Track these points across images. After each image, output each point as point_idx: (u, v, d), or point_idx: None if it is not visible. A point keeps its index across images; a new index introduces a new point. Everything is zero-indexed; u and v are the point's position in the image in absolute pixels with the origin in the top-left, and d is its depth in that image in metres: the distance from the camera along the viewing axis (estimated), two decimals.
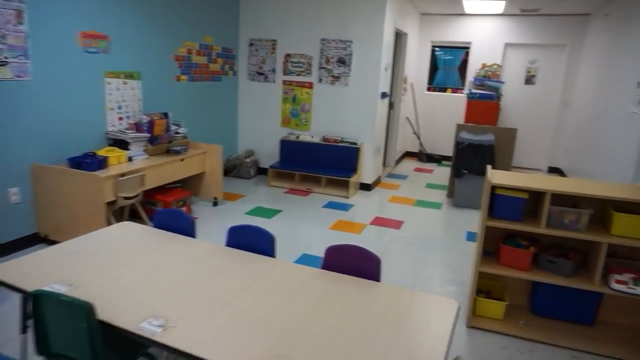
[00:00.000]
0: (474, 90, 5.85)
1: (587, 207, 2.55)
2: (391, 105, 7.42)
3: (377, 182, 6.48)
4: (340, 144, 5.97)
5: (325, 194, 5.85)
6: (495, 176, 2.80)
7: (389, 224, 4.82)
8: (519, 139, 7.97)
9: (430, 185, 6.63)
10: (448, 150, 8.41)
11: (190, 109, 5.57)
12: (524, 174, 2.93)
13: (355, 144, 5.94)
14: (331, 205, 5.41)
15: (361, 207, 5.38)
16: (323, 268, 2.22)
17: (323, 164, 6.07)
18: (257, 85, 6.43)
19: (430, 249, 4.20)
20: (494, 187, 2.70)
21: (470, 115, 5.92)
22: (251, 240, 2.41)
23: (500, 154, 5.52)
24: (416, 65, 8.37)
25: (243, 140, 6.72)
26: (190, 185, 5.10)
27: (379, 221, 4.90)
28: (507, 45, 7.72)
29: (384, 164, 7.65)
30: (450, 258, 4.02)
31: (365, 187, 6.14)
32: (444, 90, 8.41)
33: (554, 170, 7.90)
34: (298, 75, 6.16)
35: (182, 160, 4.62)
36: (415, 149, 8.66)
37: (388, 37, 5.90)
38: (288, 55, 6.16)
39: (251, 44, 6.33)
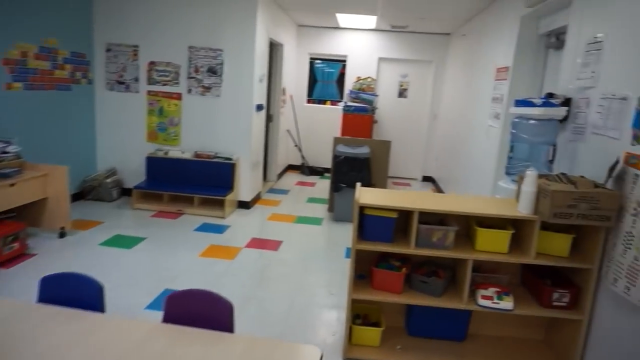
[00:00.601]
0: (349, 103, 5.84)
1: (454, 223, 2.50)
2: (270, 118, 7.18)
3: (256, 199, 6.15)
4: (214, 160, 5.53)
5: (198, 215, 5.35)
6: (364, 195, 2.64)
7: (267, 246, 4.51)
8: (395, 151, 8.25)
9: (311, 200, 6.48)
10: (330, 162, 8.41)
11: (28, 123, 4.68)
12: (392, 191, 2.82)
13: (230, 159, 5.55)
14: (204, 227, 4.94)
15: (238, 228, 4.99)
16: (164, 321, 1.81)
17: (196, 182, 5.57)
18: (117, 96, 5.70)
19: (309, 270, 3.97)
20: (362, 207, 2.53)
21: (347, 128, 5.91)
22: (73, 292, 1.90)
23: (376, 166, 5.56)
24: (295, 77, 8.26)
25: (103, 158, 5.90)
26: (27, 214, 4.24)
27: (255, 243, 4.56)
28: (381, 60, 7.99)
29: (265, 179, 7.36)
30: (329, 278, 3.82)
31: (244, 205, 5.77)
32: (323, 102, 8.42)
33: (428, 179, 8.33)
34: (164, 85, 5.59)
35: (12, 185, 3.80)
36: (298, 162, 8.52)
37: (261, 47, 5.64)
38: (152, 63, 5.56)
39: (109, 50, 5.60)
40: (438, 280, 2.56)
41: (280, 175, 7.90)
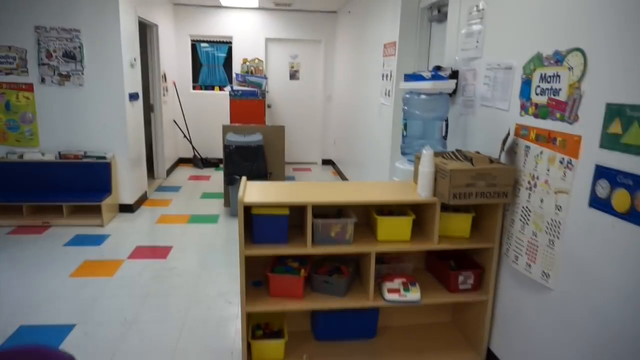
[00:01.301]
0: (236, 88, 5.39)
1: (352, 214, 2.27)
2: (151, 108, 6.45)
3: (142, 200, 5.48)
4: (84, 160, 4.76)
5: (71, 225, 4.58)
6: (250, 192, 2.29)
7: (154, 254, 3.97)
8: (292, 135, 8.01)
9: (206, 195, 5.97)
10: None
11: None
12: (282, 185, 2.51)
13: (104, 157, 4.82)
14: (78, 240, 4.22)
15: (119, 237, 4.35)
16: None
17: (64, 188, 4.76)
18: None
19: (204, 278, 3.55)
20: (248, 208, 2.18)
21: (237, 115, 5.47)
22: None
23: (271, 153, 5.22)
24: (176, 61, 7.53)
25: None
26: None
27: (141, 253, 3.99)
28: (268, 40, 7.59)
29: (154, 176, 6.66)
30: (227, 285, 3.44)
31: (127, 208, 5.09)
32: (211, 88, 7.82)
33: (328, 163, 8.22)
34: (8, 74, 4.64)
35: None
36: (190, 155, 7.87)
37: (129, 27, 4.93)
38: None
39: None
40: (341, 278, 2.33)
41: (171, 170, 7.22)
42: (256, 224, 2.21)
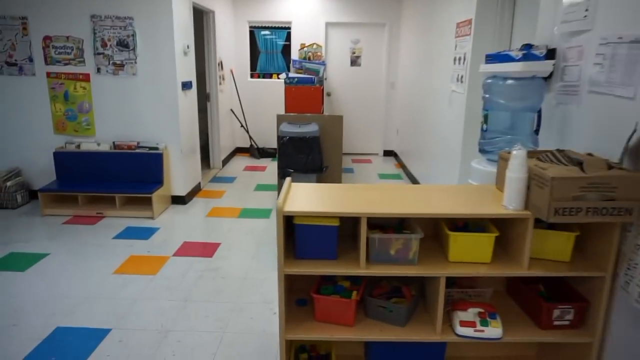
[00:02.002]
0: (291, 75, 5.06)
1: (418, 227, 1.84)
2: (207, 97, 6.30)
3: (195, 191, 5.34)
4: (137, 151, 4.66)
5: (123, 217, 4.51)
6: (293, 197, 1.93)
7: (200, 251, 3.75)
8: (353, 125, 7.59)
9: (261, 187, 5.73)
10: None
11: None
12: (331, 187, 2.12)
13: (156, 148, 4.70)
14: (129, 232, 4.12)
15: (169, 231, 4.20)
16: None
17: (118, 178, 4.70)
18: (10, 81, 4.69)
19: (248, 282, 3.27)
20: (288, 217, 1.82)
21: (292, 104, 5.14)
22: None
23: (328, 145, 4.85)
24: (234, 49, 7.34)
25: (3, 157, 4.92)
26: None
27: (187, 249, 3.80)
28: (329, 25, 7.18)
29: (209, 166, 6.54)
30: (271, 292, 3.13)
31: (179, 200, 4.96)
32: (270, 76, 7.57)
33: (389, 154, 7.72)
34: (67, 64, 4.62)
35: None
36: (247, 144, 7.70)
37: (182, 14, 4.73)
38: (48, 38, 4.56)
39: None
40: (402, 304, 1.91)
41: (227, 160, 7.08)
42: (299, 235, 1.84)
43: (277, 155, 4.71)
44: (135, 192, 4.47)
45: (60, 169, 4.69)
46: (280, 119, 4.81)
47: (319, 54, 5.56)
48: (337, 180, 5.00)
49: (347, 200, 1.88)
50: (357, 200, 1.89)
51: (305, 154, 4.53)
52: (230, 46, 7.12)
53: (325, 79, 5.76)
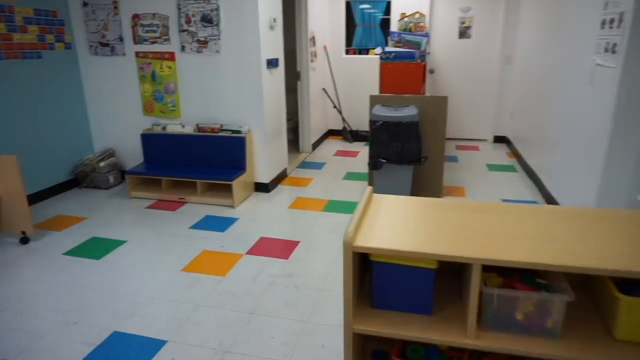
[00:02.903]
0: (388, 49, 4.38)
1: (562, 281, 1.16)
2: (297, 76, 5.89)
3: (281, 177, 4.99)
4: (219, 134, 4.40)
5: (203, 204, 4.31)
6: (370, 222, 1.35)
7: (276, 251, 3.36)
8: (458, 106, 6.69)
9: (351, 176, 5.21)
10: None
11: None
12: (426, 203, 1.49)
13: (239, 132, 4.39)
14: (207, 222, 3.89)
15: (247, 223, 3.89)
16: None
17: (200, 163, 4.50)
18: (103, 61, 4.69)
19: (324, 296, 2.79)
20: (360, 254, 1.25)
21: (389, 82, 4.48)
22: None
23: (429, 130, 4.14)
24: (328, 23, 6.80)
25: (99, 137, 5.00)
26: None
27: (263, 247, 3.43)
28: None
29: (299, 150, 6.18)
30: None
31: (263, 187, 4.64)
32: (367, 51, 6.92)
33: (501, 140, 6.70)
34: (153, 43, 4.47)
35: None
36: (340, 126, 7.21)
37: None
38: (137, 17, 4.44)
39: (85, 4, 4.54)
40: None
41: (318, 143, 6.66)
42: (378, 278, 1.28)
43: (369, 142, 4.12)
44: (216, 179, 4.22)
45: (147, 151, 4.62)
46: (373, 101, 4.20)
47: (421, 24, 4.80)
48: (437, 172, 4.29)
49: (451, 232, 1.27)
50: (466, 231, 1.26)
51: (401, 141, 3.89)
52: (324, 20, 6.59)
53: (428, 53, 4.98)
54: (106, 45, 4.60)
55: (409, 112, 3.92)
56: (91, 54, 4.68)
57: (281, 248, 3.40)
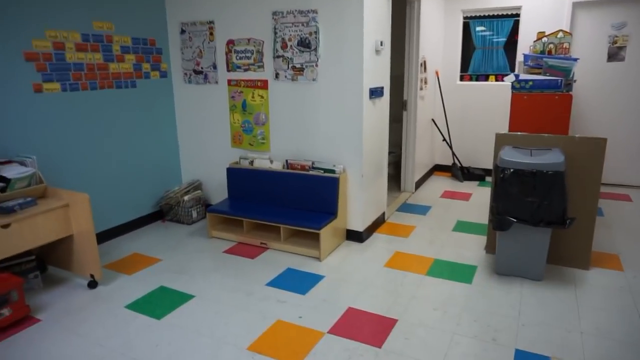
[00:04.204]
0: (523, 77, 3.47)
1: None
2: (404, 105, 5.17)
3: (378, 223, 4.27)
4: (310, 173, 3.83)
5: (287, 252, 3.75)
6: None
7: (366, 332, 2.62)
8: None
9: (462, 226, 4.31)
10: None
11: (68, 132, 3.65)
12: None
13: (332, 171, 3.78)
14: (287, 278, 3.30)
15: (333, 284, 3.21)
16: None
17: (287, 204, 3.97)
18: (196, 90, 4.44)
19: None
20: None
21: (521, 118, 3.56)
22: None
23: (576, 182, 3.14)
24: (442, 45, 6.01)
25: (188, 169, 4.75)
26: (55, 255, 3.23)
27: (349, 324, 2.72)
28: (577, 5, 5.20)
29: (400, 188, 5.41)
30: None
31: (355, 236, 3.96)
32: (485, 78, 5.99)
33: None
34: (246, 70, 4.09)
35: (5, 226, 2.71)
36: (448, 161, 6.31)
37: (376, 2, 3.68)
38: (231, 42, 4.11)
39: (183, 31, 4.34)
40: None
41: (423, 180, 5.83)
42: None
43: (492, 192, 3.24)
44: (302, 226, 3.62)
45: (232, 187, 4.22)
46: (500, 140, 3.32)
47: (564, 46, 3.82)
48: (584, 235, 3.25)
49: None
50: None
51: (540, 196, 2.95)
52: (437, 43, 5.82)
53: (575, 81, 3.95)
54: (200, 73, 4.33)
55: (552, 158, 2.97)
56: (185, 82, 4.45)
57: (373, 328, 2.65)
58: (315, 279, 3.28)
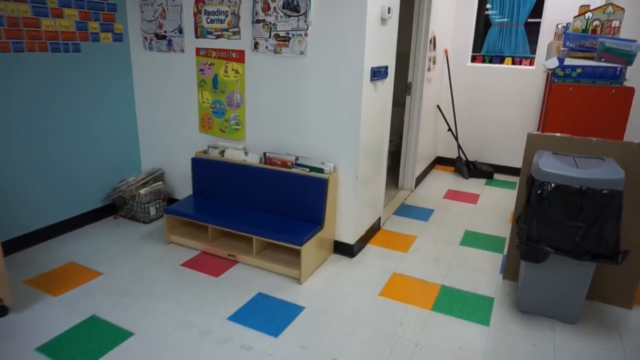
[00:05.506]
0: (570, 63, 2.71)
1: None
2: (407, 88, 4.40)
3: (373, 230, 3.56)
4: (292, 170, 3.08)
5: (259, 269, 3.03)
6: None
7: None
8: None
9: (471, 239, 3.62)
10: (505, 157, 5.30)
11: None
12: None
13: (320, 170, 3.04)
14: (256, 309, 2.59)
15: (314, 322, 2.51)
16: None
17: (262, 207, 3.23)
18: (158, 58, 3.61)
19: None
20: None
21: (561, 117, 2.82)
22: None
23: (630, 205, 2.45)
24: (453, 21, 5.21)
25: (148, 156, 3.96)
26: None
27: None
28: None
29: (397, 185, 4.70)
30: None
31: (345, 249, 3.25)
32: (500, 60, 5.23)
33: None
34: (219, 37, 3.27)
35: None
36: (451, 154, 5.60)
37: None
38: (201, 1, 3.26)
39: None
40: None
41: (424, 175, 5.11)
42: None
43: (525, 213, 2.54)
44: (280, 239, 2.89)
45: (197, 181, 3.46)
46: (533, 142, 2.60)
47: (613, 25, 3.07)
48: (632, 269, 2.58)
49: None
50: None
51: (586, 222, 2.26)
52: (448, 17, 5.01)
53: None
54: (163, 37, 3.50)
55: (608, 172, 2.26)
56: (145, 48, 3.61)
57: None
58: (292, 311, 2.57)
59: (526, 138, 2.68)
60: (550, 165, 2.37)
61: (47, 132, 3.18)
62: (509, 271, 2.95)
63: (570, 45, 3.04)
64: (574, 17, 3.25)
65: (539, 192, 2.35)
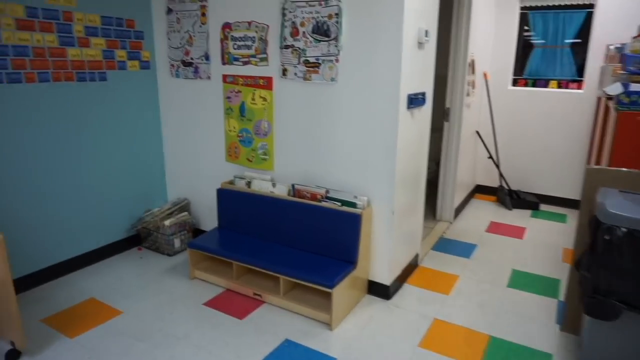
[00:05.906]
0: (636, 87, 2.41)
1: None
2: (445, 114, 4.15)
3: (411, 268, 3.28)
4: (323, 204, 2.86)
5: (286, 310, 2.80)
6: None
7: None
8: None
9: (520, 280, 3.28)
10: (551, 187, 4.92)
11: (6, 137, 2.76)
12: None
13: (353, 204, 2.80)
14: (283, 357, 2.34)
15: None
16: None
17: (291, 243, 3.01)
18: (185, 85, 3.51)
19: None
20: None
21: (627, 149, 2.50)
22: None
23: None
24: (493, 43, 4.94)
25: (174, 185, 3.84)
26: None
27: None
28: None
29: (435, 216, 4.40)
30: None
31: (380, 291, 2.97)
32: (544, 84, 4.91)
33: None
34: (246, 63, 3.13)
35: None
36: (492, 183, 5.25)
37: None
38: (228, 27, 3.15)
39: (169, 10, 3.40)
40: None
41: (463, 205, 4.79)
42: None
43: (589, 260, 2.21)
44: (309, 280, 2.66)
45: (223, 213, 3.29)
46: (594, 177, 2.28)
47: None
48: None
49: None
50: None
51: None
52: (487, 38, 4.76)
53: None
54: (189, 64, 3.40)
55: None
56: (172, 75, 3.53)
57: None
58: None
59: (585, 172, 2.37)
60: (620, 207, 2.05)
61: (72, 162, 3.10)
62: (569, 323, 2.60)
63: (632, 68, 2.73)
64: (633, 38, 2.94)
65: (606, 237, 2.03)
